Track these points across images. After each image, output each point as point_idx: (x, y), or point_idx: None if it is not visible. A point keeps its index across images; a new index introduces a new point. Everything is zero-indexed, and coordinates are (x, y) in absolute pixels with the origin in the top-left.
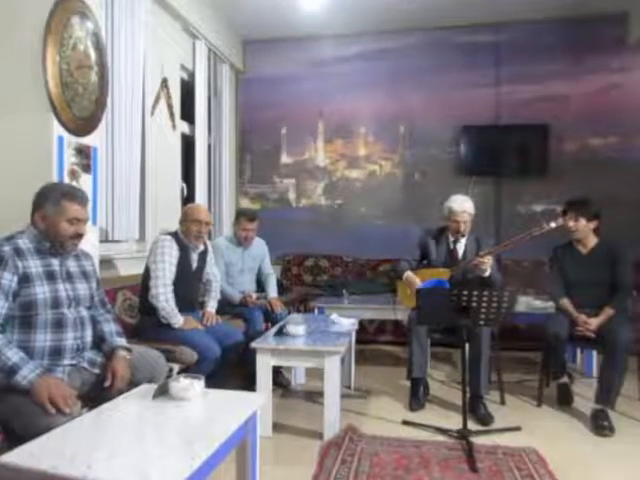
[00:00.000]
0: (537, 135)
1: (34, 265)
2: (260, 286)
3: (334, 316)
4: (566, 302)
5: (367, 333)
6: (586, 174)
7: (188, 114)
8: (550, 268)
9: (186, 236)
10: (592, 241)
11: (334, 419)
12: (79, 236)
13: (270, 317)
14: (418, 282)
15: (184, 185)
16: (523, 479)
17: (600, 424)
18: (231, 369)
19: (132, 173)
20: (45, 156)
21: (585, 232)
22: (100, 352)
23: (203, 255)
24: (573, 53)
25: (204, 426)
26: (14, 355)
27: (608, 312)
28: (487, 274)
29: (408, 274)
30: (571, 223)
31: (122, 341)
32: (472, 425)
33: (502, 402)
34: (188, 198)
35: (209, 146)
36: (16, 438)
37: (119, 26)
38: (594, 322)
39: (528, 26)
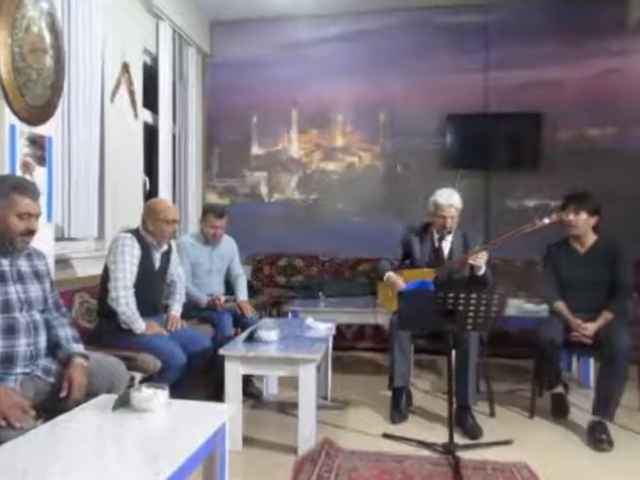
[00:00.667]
0: (529, 124)
1: None
2: (229, 288)
3: (309, 320)
4: (561, 305)
5: (345, 339)
6: (582, 167)
7: (151, 102)
8: (544, 268)
9: (151, 234)
10: (590, 239)
11: (309, 432)
12: (30, 233)
13: (240, 321)
14: (401, 283)
15: (147, 179)
16: None
17: (598, 437)
18: (197, 378)
19: (90, 166)
20: None
21: (585, 228)
22: (55, 359)
23: (167, 254)
24: (568, 35)
25: (168, 439)
26: None
27: (606, 316)
28: (482, 272)
29: (390, 274)
30: (571, 217)
31: (79, 347)
32: (459, 439)
33: (491, 414)
34: (151, 193)
35: (174, 136)
36: None
37: (76, 6)
38: (591, 327)
39: (519, 6)
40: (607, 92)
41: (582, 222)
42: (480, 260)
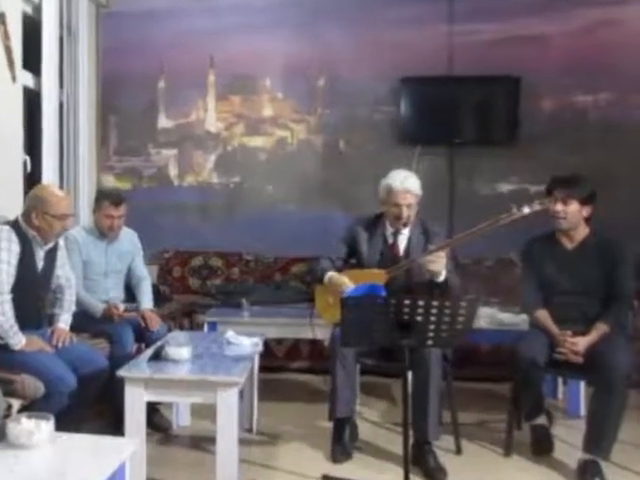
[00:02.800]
0: (504, 90)
1: None
2: (130, 294)
3: (230, 334)
4: (543, 315)
5: (275, 357)
6: (570, 142)
7: (33, 61)
8: (523, 269)
9: (36, 229)
10: (581, 233)
11: (230, 473)
12: None
13: (143, 336)
14: (347, 283)
15: (27, 158)
16: None
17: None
18: (91, 406)
19: None
20: None
21: (576, 220)
22: None
23: (52, 252)
24: None
25: None
26: None
27: (601, 329)
28: (442, 278)
29: (332, 275)
30: (559, 207)
31: None
32: None
33: (458, 451)
34: (33, 175)
35: (61, 104)
36: None
37: None
38: (582, 342)
39: None
40: (601, 50)
41: (572, 212)
42: (437, 264)
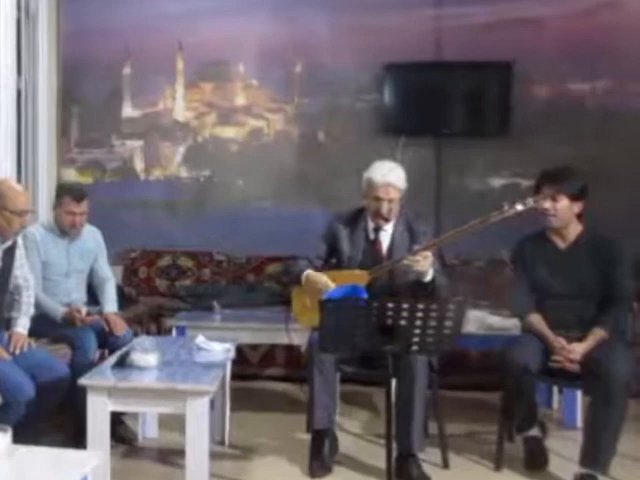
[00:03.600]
0: (495, 77)
1: None
2: (93, 296)
3: (200, 339)
4: (537, 319)
5: (249, 364)
6: (565, 133)
7: None
8: (514, 270)
9: None
10: (574, 231)
11: None
12: None
13: (107, 341)
14: (326, 283)
15: None
16: None
17: None
18: (50, 416)
19: None
20: None
21: (567, 218)
22: None
23: (10, 251)
24: None
25: None
26: None
27: (598, 334)
28: (429, 278)
29: (310, 273)
30: (547, 204)
31: None
32: None
33: (445, 464)
34: None
35: (19, 92)
36: None
37: None
38: (579, 349)
39: None
40: (600, 34)
41: (562, 210)
42: (422, 263)
